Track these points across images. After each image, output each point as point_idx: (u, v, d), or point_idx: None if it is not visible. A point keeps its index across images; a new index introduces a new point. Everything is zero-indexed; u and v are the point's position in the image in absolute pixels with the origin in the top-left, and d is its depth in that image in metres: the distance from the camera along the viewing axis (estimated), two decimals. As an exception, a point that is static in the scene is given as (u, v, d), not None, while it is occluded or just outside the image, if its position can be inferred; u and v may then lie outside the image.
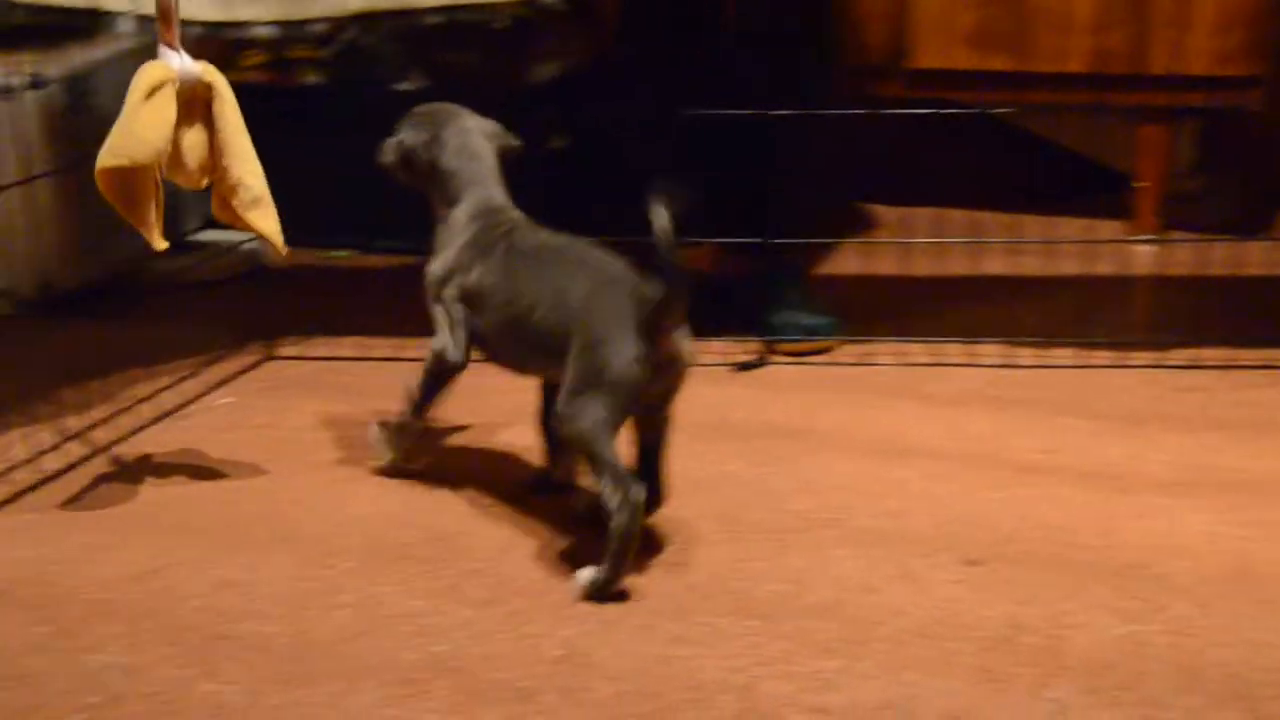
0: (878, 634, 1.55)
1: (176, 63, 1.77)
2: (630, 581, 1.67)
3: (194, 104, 1.79)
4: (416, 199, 1.97)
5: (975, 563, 1.70)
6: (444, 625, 1.60)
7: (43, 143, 2.48)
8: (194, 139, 1.79)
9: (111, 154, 1.71)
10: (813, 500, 1.88)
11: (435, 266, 1.89)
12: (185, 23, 1.99)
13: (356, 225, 2.64)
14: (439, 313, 1.88)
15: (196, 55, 2.26)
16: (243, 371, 2.37)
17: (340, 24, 2.07)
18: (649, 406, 1.70)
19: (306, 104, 2.83)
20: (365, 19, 2.06)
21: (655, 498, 1.74)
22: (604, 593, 1.63)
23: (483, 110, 1.98)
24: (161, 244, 1.76)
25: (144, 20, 1.98)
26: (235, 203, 1.82)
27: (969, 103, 2.67)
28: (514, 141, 1.98)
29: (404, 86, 2.88)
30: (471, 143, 1.93)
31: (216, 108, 1.80)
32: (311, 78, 2.88)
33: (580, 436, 1.65)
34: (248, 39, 2.05)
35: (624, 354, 1.63)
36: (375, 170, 2.03)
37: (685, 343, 1.68)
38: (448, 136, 1.93)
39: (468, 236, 1.88)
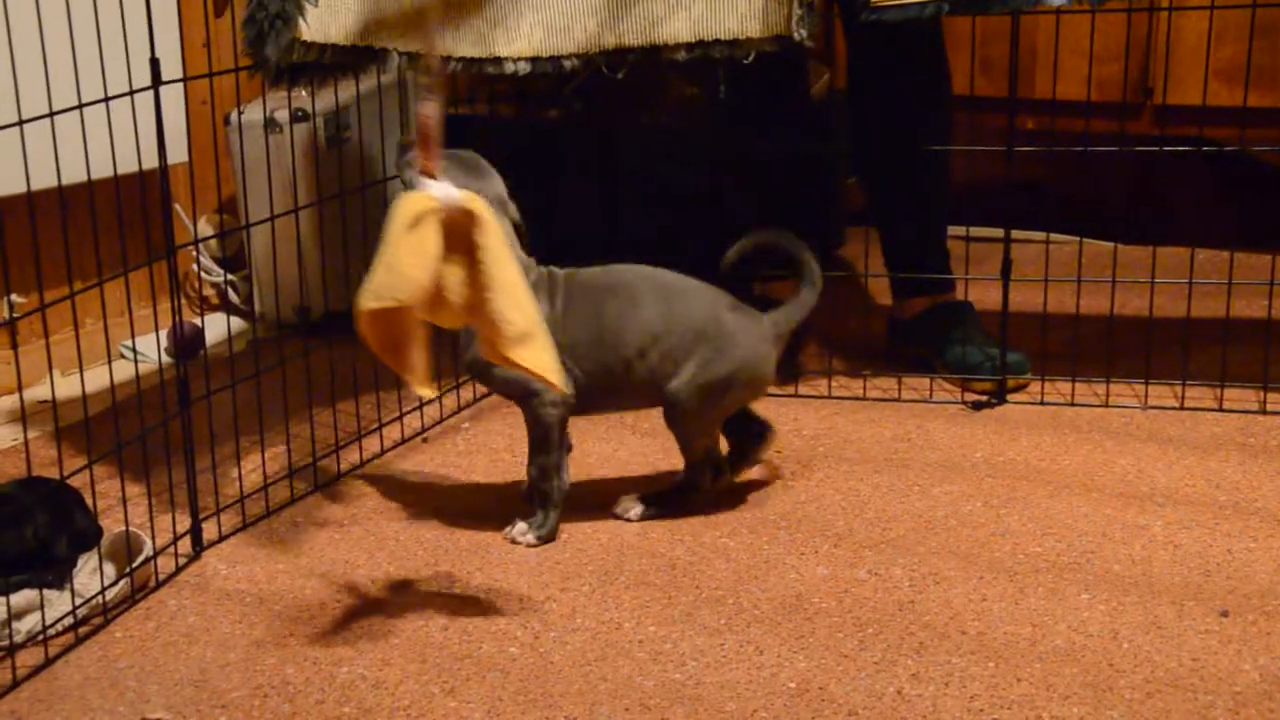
0: (1124, 682, 1.51)
1: (439, 192, 1.56)
2: (866, 616, 1.66)
3: (455, 236, 1.56)
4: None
5: (1228, 614, 1.64)
6: (680, 652, 1.61)
7: (305, 175, 2.60)
8: (457, 274, 1.57)
9: (375, 294, 1.52)
10: (1053, 543, 1.84)
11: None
12: (443, 59, 2.07)
13: (598, 258, 2.72)
14: (515, 374, 1.71)
15: (452, 90, 2.27)
16: (481, 397, 2.43)
17: (590, 59, 2.10)
18: None
19: (553, 138, 2.89)
20: (615, 54, 2.09)
21: (767, 432, 2.04)
22: (640, 519, 1.97)
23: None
24: (429, 391, 1.59)
25: (413, 57, 2.02)
26: (499, 340, 1.59)
27: (1223, 140, 2.58)
28: (513, 214, 1.92)
29: (645, 121, 2.93)
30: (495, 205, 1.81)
31: (479, 239, 1.57)
32: (555, 113, 2.95)
33: (704, 426, 1.94)
34: (502, 74, 2.09)
35: (769, 362, 1.94)
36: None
37: None
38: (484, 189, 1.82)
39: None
